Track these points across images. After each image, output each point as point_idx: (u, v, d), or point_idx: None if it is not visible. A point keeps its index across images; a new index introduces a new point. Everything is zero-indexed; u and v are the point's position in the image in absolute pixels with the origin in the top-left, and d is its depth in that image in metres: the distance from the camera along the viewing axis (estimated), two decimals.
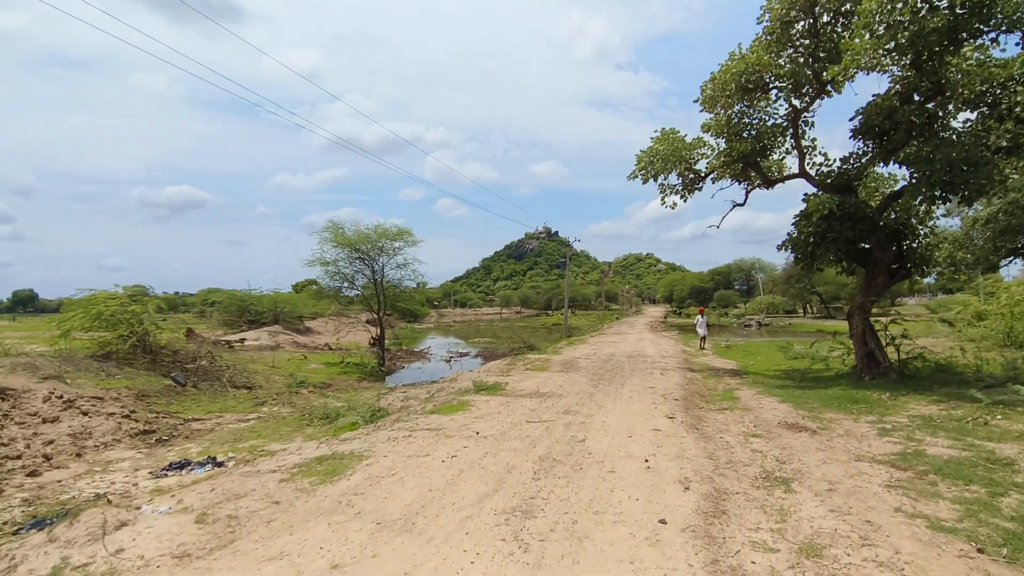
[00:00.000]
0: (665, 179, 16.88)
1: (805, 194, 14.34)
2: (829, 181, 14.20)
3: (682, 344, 28.09)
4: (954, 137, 11.34)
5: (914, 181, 11.53)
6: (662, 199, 17.39)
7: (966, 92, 11.59)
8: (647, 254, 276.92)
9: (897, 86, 12.26)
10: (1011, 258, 28.79)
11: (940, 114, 12.15)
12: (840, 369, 15.08)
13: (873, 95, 12.81)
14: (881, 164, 13.47)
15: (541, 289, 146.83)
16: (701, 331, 26.63)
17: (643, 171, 16.64)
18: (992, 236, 25.88)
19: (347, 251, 25.50)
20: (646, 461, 6.64)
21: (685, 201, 17.35)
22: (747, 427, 8.62)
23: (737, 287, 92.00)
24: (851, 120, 13.14)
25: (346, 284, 26.87)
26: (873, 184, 15.03)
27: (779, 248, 14.51)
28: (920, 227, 14.39)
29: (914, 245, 14.30)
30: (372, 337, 36.16)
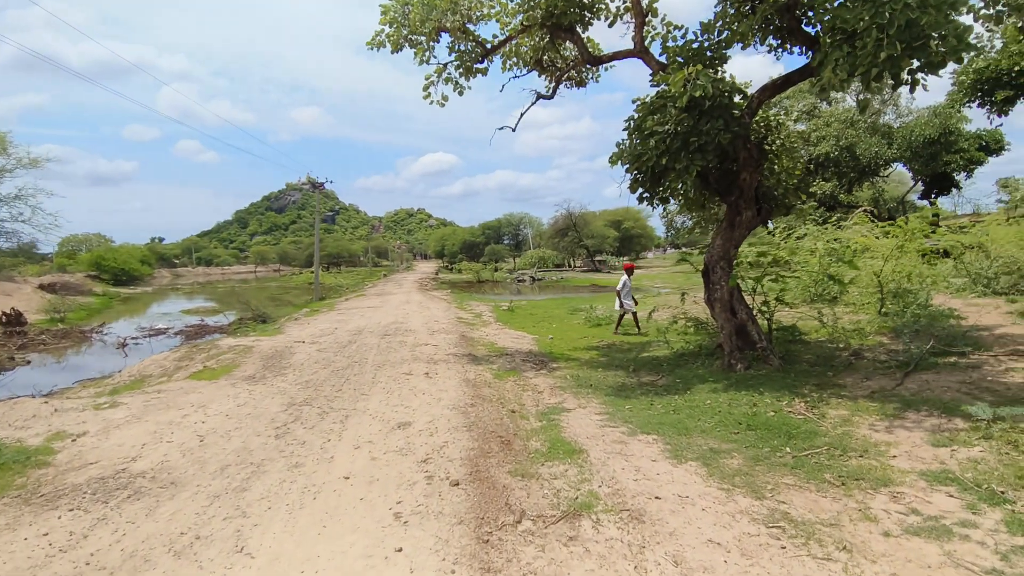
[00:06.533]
0: (430, 50, 10.20)
1: (651, 75, 8.97)
2: (680, 60, 8.99)
3: (456, 308, 22.36)
4: None
5: (841, 43, 6.64)
6: (426, 89, 10.71)
7: None
8: (418, 209, 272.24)
9: None
10: None
11: None
12: (682, 346, 10.41)
13: None
14: (755, 37, 8.63)
15: (303, 244, 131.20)
16: (627, 303, 13.75)
17: (392, 26, 9.69)
18: None
19: None
20: None
21: (461, 93, 10.93)
22: None
23: (507, 242, 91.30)
24: None
25: None
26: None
27: (611, 162, 8.92)
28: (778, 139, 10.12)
29: (775, 167, 10.08)
30: (6, 313, 23.70)
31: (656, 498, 4.22)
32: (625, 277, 14.09)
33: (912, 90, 6.92)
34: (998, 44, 16.11)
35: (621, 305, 13.78)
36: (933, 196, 31.67)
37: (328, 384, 8.64)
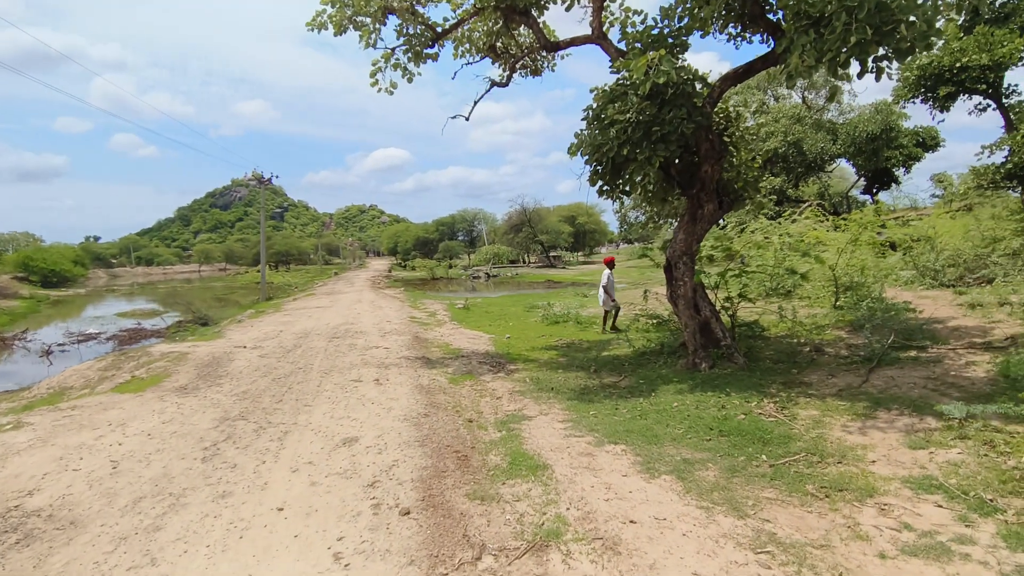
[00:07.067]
0: (377, 33, 9.54)
1: (611, 62, 8.58)
2: (638, 46, 8.63)
3: (409, 307, 21.63)
4: None
5: (807, 28, 6.41)
6: (373, 75, 10.04)
7: None
8: (371, 206, 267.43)
9: None
10: None
11: None
12: (644, 345, 10.12)
13: None
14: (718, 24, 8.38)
15: (250, 242, 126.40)
16: (611, 296, 12.96)
17: (335, 6, 8.99)
18: None
19: None
20: None
21: (410, 80, 10.31)
22: None
23: (461, 238, 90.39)
24: None
25: None
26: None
27: (571, 152, 8.51)
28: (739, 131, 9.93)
29: (733, 160, 9.85)
30: None
31: (631, 522, 3.79)
32: (608, 271, 13.06)
33: (878, 78, 6.73)
34: (940, 42, 16.53)
35: (613, 300, 12.93)
36: (875, 191, 32.76)
37: (268, 394, 7.91)
